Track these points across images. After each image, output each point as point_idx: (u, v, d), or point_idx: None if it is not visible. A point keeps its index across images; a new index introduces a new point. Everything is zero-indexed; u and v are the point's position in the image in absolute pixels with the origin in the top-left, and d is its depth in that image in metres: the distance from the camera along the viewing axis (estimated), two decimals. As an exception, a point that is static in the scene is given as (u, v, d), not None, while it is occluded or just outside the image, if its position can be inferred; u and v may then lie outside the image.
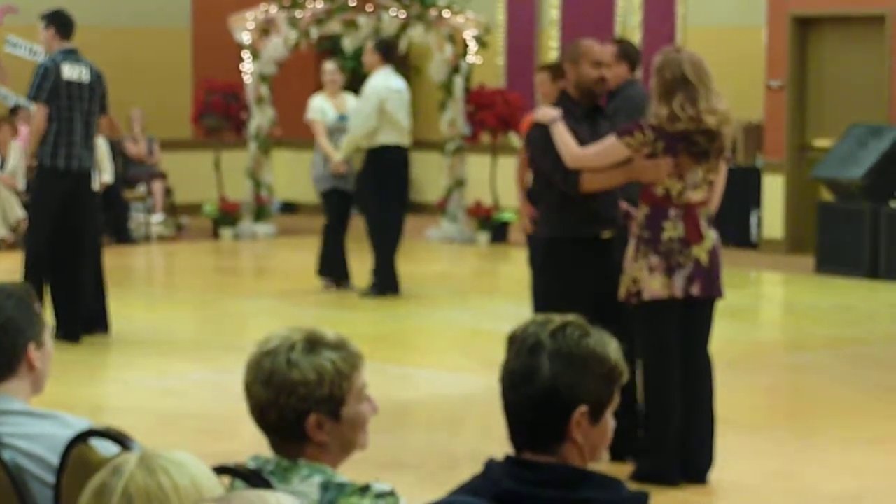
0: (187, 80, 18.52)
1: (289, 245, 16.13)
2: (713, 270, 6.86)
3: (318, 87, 13.58)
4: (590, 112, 7.15)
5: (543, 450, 2.84)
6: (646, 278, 6.78)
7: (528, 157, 7.25)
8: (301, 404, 3.03)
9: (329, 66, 12.94)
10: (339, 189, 12.61)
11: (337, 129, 12.59)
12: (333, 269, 12.70)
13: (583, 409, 2.83)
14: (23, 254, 10.54)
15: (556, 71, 9.51)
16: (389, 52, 12.60)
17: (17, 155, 15.64)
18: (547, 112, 7.09)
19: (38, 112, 10.19)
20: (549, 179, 7.07)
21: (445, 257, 15.87)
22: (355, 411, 3.08)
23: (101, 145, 14.69)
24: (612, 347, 2.88)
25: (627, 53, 7.89)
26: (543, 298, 7.29)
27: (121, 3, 18.07)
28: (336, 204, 12.66)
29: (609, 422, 2.88)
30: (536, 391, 2.83)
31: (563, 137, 6.94)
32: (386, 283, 12.47)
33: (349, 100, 12.80)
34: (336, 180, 12.57)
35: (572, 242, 7.04)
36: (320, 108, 12.72)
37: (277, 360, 3.04)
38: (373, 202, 12.40)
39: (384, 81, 12.39)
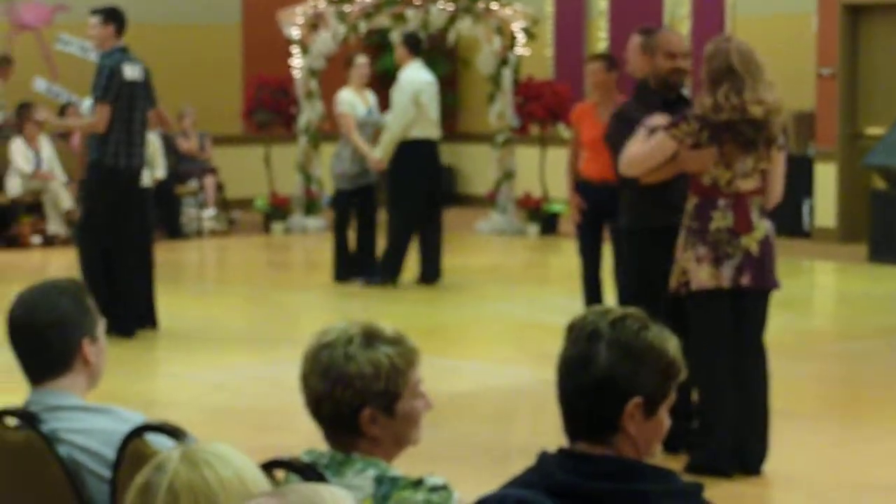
0: (237, 76, 18.58)
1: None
2: (765, 261, 6.80)
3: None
4: (670, 102, 7.12)
5: (597, 440, 2.84)
6: (694, 268, 6.75)
7: (609, 151, 7.23)
8: (356, 398, 3.03)
9: (361, 59, 12.92)
10: (364, 186, 12.59)
11: (364, 124, 12.58)
12: (352, 269, 12.73)
13: (637, 400, 2.82)
14: (78, 249, 10.59)
15: (609, 60, 9.47)
16: (417, 45, 12.64)
17: (49, 148, 15.73)
18: (654, 118, 6.98)
19: (102, 112, 10.21)
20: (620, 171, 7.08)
21: (495, 249, 15.86)
22: (410, 407, 3.08)
23: (154, 141, 14.77)
24: (670, 343, 2.88)
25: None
26: (624, 287, 7.30)
27: (172, 1, 18.13)
28: (353, 202, 12.65)
29: (664, 417, 2.87)
30: (592, 379, 2.83)
31: (636, 145, 6.90)
32: (390, 272, 12.47)
33: (370, 95, 12.83)
34: (358, 179, 12.56)
35: (649, 233, 7.03)
36: (350, 101, 12.72)
37: (335, 352, 3.04)
38: (403, 196, 12.39)
39: (416, 74, 12.42)
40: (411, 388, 3.08)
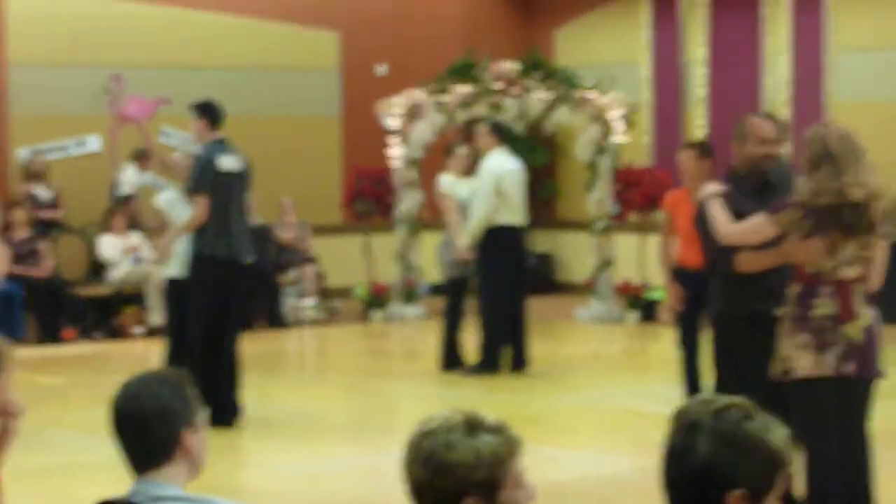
0: (337, 167, 18.75)
1: (438, 327, 16.15)
2: (869, 349, 6.70)
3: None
4: (759, 188, 7.08)
5: None
6: (796, 356, 6.67)
7: (699, 236, 7.21)
8: (457, 486, 3.01)
9: (462, 150, 13.03)
10: (467, 276, 12.67)
11: (464, 208, 12.67)
12: (459, 358, 12.75)
13: (738, 492, 2.78)
14: (176, 341, 10.63)
15: (701, 148, 9.46)
16: (503, 133, 12.74)
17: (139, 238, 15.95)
18: (705, 188, 7.05)
19: (199, 204, 10.34)
20: (712, 258, 7.03)
21: (595, 337, 15.79)
22: (512, 497, 3.05)
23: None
24: (776, 434, 2.84)
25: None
26: (716, 377, 7.22)
27: (273, 94, 18.38)
28: (462, 291, 12.72)
29: None
30: (692, 469, 2.82)
31: (716, 214, 6.88)
32: (489, 361, 12.47)
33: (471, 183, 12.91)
34: (466, 267, 12.62)
35: (743, 320, 6.95)
36: (451, 184, 12.82)
37: (437, 440, 3.03)
38: (489, 282, 12.41)
39: (500, 161, 12.49)
40: (514, 477, 3.05)
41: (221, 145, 10.50)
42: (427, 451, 3.03)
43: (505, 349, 12.59)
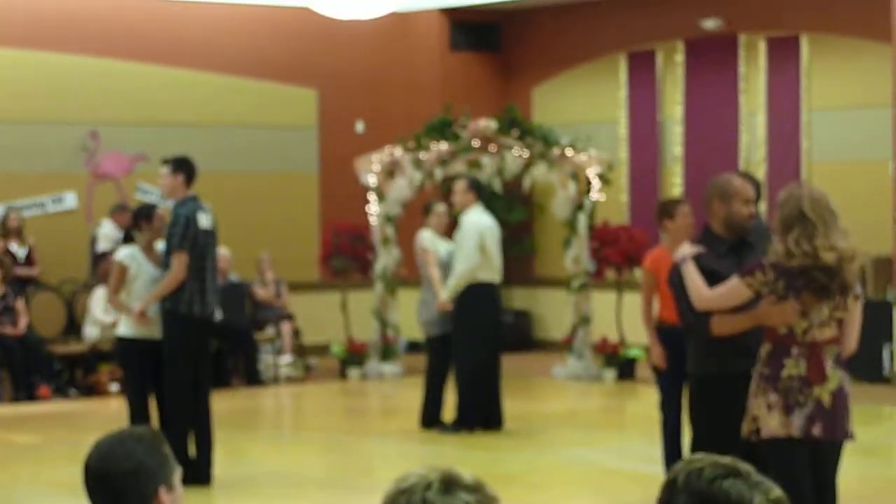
0: (315, 223, 18.76)
1: (416, 384, 16.09)
2: (837, 412, 6.69)
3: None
4: (735, 247, 7.11)
5: None
6: (764, 416, 6.67)
7: (673, 296, 7.21)
8: None
9: (440, 208, 13.07)
10: (447, 333, 12.65)
11: (444, 266, 12.68)
12: (439, 415, 12.72)
13: None
14: (156, 401, 10.57)
15: (663, 210, 9.49)
16: (481, 189, 12.81)
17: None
18: (679, 251, 7.06)
19: (180, 260, 10.31)
20: (687, 320, 7.02)
21: (572, 395, 15.77)
22: (486, 554, 3.05)
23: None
24: (756, 493, 2.84)
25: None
26: (692, 435, 7.20)
27: (251, 151, 18.41)
28: (443, 348, 12.70)
29: None
30: None
31: (692, 278, 6.89)
32: (465, 419, 12.45)
33: (448, 243, 12.92)
34: (445, 324, 12.61)
35: (721, 379, 6.95)
36: (432, 239, 12.85)
37: (413, 498, 3.02)
38: (465, 339, 12.41)
39: (480, 218, 12.53)
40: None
41: (197, 202, 10.49)
42: None
43: (480, 407, 12.56)
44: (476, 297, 12.41)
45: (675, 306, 7.19)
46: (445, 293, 12.47)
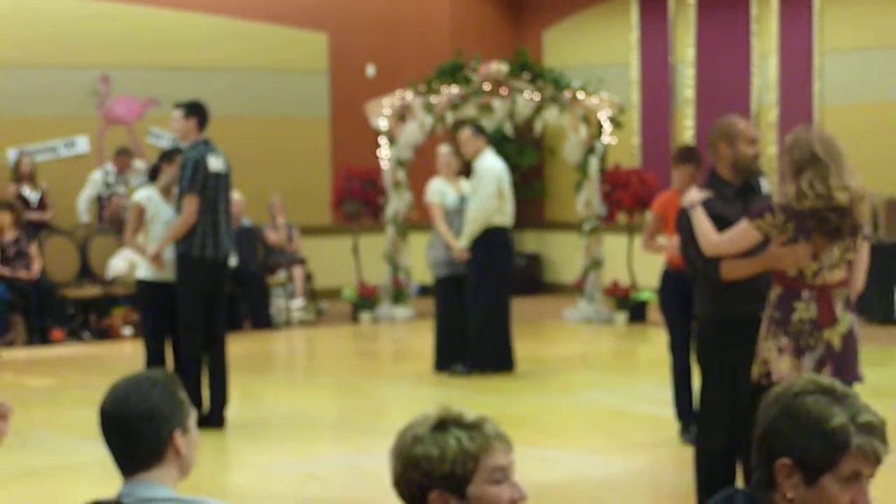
0: (326, 168, 18.76)
1: (427, 328, 16.14)
2: (847, 355, 6.70)
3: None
4: (742, 191, 7.09)
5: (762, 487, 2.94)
6: (775, 359, 6.67)
7: (680, 242, 7.20)
8: (424, 479, 3.07)
9: (443, 150, 13.03)
10: (456, 275, 12.67)
11: (458, 212, 12.67)
12: (453, 357, 12.73)
13: (785, 461, 2.93)
14: (172, 344, 10.61)
15: (684, 155, 9.48)
16: (487, 134, 12.84)
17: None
18: (688, 196, 7.04)
19: (191, 204, 10.32)
20: (696, 264, 7.02)
21: (583, 338, 15.81)
22: (483, 492, 3.08)
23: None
24: (842, 411, 2.93)
25: None
26: (702, 380, 7.21)
27: (262, 95, 18.39)
28: (452, 290, 12.71)
29: (833, 491, 2.89)
30: (756, 436, 2.99)
31: (701, 223, 6.88)
32: (477, 361, 12.49)
33: (465, 184, 12.88)
34: (454, 266, 12.63)
35: (730, 323, 6.95)
36: (440, 190, 12.81)
37: (407, 435, 3.10)
38: (478, 283, 12.44)
39: (495, 163, 12.52)
40: (485, 472, 3.07)
41: (209, 145, 10.48)
42: (398, 446, 3.12)
43: (494, 350, 12.60)
44: (490, 241, 12.43)
45: (682, 252, 7.19)
46: (462, 240, 12.47)
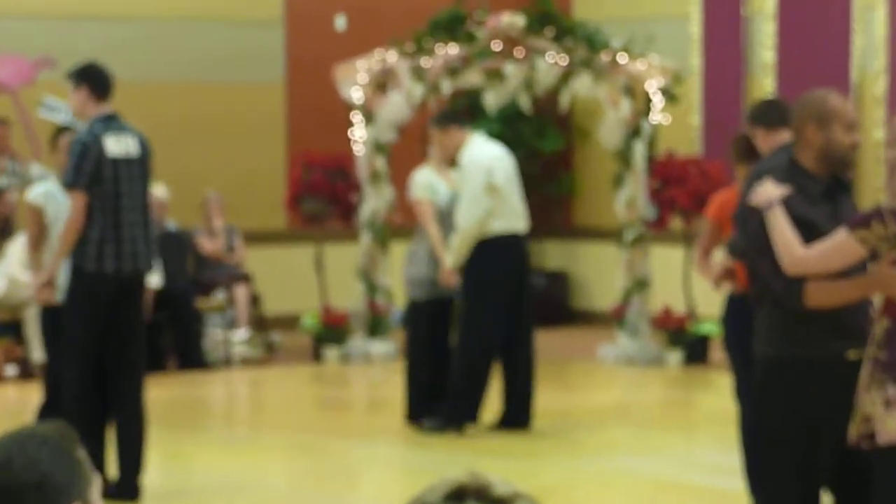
0: (280, 153, 18.77)
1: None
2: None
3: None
4: (830, 188, 7.09)
5: None
6: (881, 415, 6.67)
7: (745, 253, 7.21)
8: None
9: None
10: (441, 298, 12.67)
11: (450, 213, 12.65)
12: (426, 405, 12.75)
13: None
14: (56, 386, 10.61)
15: (750, 149, 9.50)
16: (465, 117, 12.76)
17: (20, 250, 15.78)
18: (763, 192, 7.01)
19: (74, 202, 10.18)
20: (764, 285, 7.02)
21: (624, 384, 15.83)
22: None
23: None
24: None
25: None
26: (757, 439, 7.22)
27: (194, 54, 18.39)
28: (430, 319, 12.72)
29: None
30: None
31: (782, 231, 6.86)
32: (459, 411, 12.48)
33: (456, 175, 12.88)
34: (439, 288, 12.62)
35: (805, 365, 6.95)
36: (428, 185, 12.82)
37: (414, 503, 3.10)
38: (473, 309, 12.45)
39: (482, 150, 12.51)
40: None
41: (109, 122, 10.33)
42: None
43: (477, 398, 12.57)
44: (489, 254, 12.40)
45: (750, 267, 7.18)
46: (450, 258, 12.46)
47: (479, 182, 12.37)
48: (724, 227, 9.51)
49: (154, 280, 15.90)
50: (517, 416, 12.71)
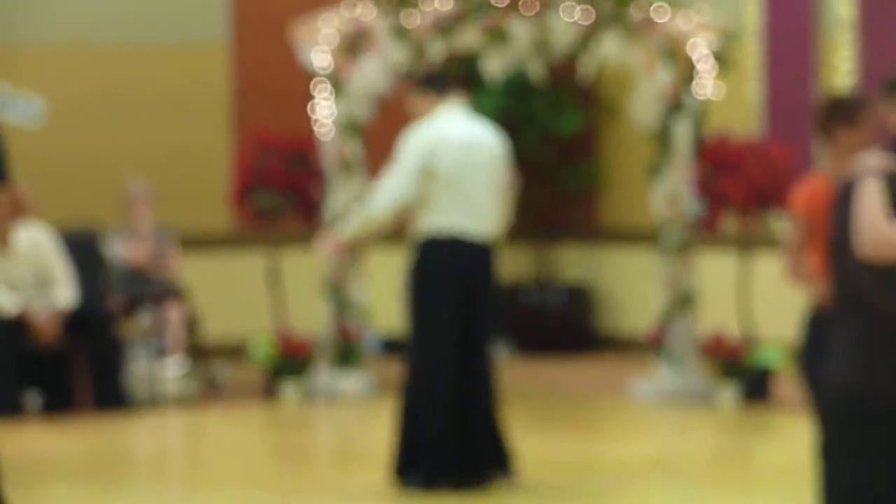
0: (223, 134, 18.83)
1: (393, 409, 16.27)
2: None
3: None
4: None
5: None
6: None
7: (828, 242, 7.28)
8: None
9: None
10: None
11: None
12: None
13: None
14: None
15: (836, 111, 9.61)
16: (444, 83, 12.76)
17: None
18: (862, 160, 7.06)
19: None
20: (852, 288, 7.09)
21: (664, 429, 15.89)
22: None
23: (43, 240, 15.15)
24: None
25: None
26: (834, 494, 7.30)
27: (115, 10, 18.43)
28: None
29: None
30: None
31: (872, 200, 6.90)
32: (434, 464, 12.56)
33: None
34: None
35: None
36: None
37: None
38: (420, 331, 12.58)
39: (439, 125, 12.54)
40: None
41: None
42: None
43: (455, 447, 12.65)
44: (429, 258, 12.48)
45: (833, 260, 7.26)
46: (344, 232, 12.88)
47: (411, 164, 12.44)
48: (816, 223, 9.51)
49: (63, 297, 16.01)
50: (494, 465, 12.73)
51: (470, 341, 12.61)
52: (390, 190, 12.47)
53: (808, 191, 9.69)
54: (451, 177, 12.43)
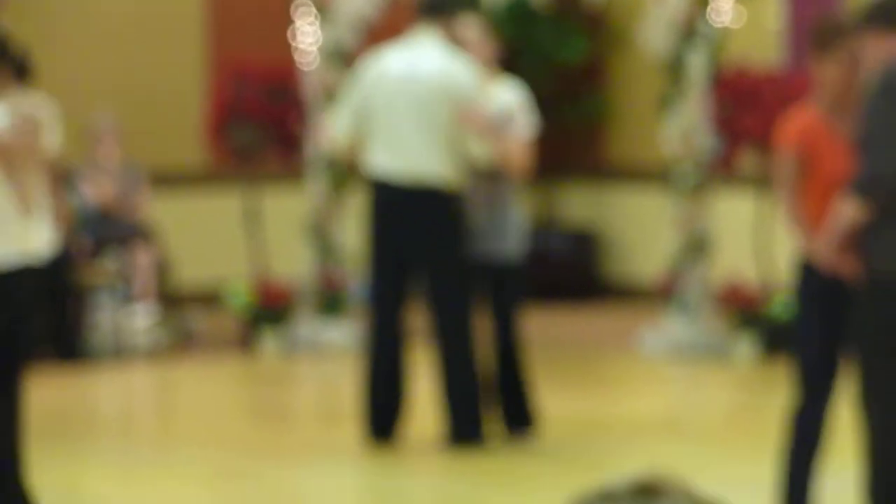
0: (196, 63, 18.89)
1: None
2: None
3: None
4: None
5: None
6: None
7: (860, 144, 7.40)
8: None
9: (468, 21, 13.10)
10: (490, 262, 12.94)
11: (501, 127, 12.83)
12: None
13: None
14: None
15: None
16: (430, 8, 12.84)
17: None
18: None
19: None
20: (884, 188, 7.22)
21: (675, 383, 15.96)
22: None
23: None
24: None
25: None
26: (870, 453, 7.41)
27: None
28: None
29: None
30: None
31: None
32: (470, 424, 12.70)
33: (500, 91, 12.99)
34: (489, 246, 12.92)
35: None
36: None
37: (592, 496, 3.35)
38: (369, 266, 12.94)
39: (383, 61, 12.69)
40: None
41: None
42: None
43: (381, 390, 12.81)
44: (370, 204, 12.75)
45: (854, 189, 7.36)
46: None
47: (351, 96, 12.69)
48: (814, 161, 9.51)
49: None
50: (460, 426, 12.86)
51: (431, 296, 12.80)
52: (331, 130, 12.74)
53: (801, 126, 9.65)
54: (382, 115, 12.57)
